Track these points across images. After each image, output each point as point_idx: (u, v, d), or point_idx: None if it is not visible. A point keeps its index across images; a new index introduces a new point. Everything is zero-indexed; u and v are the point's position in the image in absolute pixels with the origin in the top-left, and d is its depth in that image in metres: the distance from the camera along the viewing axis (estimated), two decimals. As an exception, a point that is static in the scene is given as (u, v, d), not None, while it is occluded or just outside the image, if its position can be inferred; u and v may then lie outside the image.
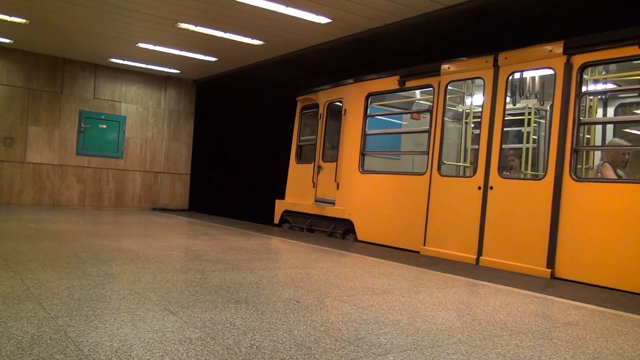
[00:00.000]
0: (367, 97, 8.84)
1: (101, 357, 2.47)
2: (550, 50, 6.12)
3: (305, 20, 8.17)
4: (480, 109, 7.20)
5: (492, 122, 6.74)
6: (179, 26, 9.02)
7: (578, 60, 5.94)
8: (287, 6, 7.63)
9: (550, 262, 5.86)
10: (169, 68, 12.76)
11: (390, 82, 8.42)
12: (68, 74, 12.41)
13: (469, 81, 7.80)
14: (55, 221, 9.16)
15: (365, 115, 8.83)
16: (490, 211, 6.58)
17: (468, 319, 3.73)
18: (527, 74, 6.82)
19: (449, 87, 7.57)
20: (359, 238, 8.60)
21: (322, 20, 8.15)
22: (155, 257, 5.66)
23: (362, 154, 8.80)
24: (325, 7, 7.59)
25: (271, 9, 7.74)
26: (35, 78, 12.04)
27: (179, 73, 13.27)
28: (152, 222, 10.20)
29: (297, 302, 3.91)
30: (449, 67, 7.47)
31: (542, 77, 7.01)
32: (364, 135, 8.81)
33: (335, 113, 9.68)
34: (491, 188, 6.59)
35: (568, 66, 5.97)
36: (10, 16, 9.01)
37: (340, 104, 9.46)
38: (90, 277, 4.37)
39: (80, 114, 12.55)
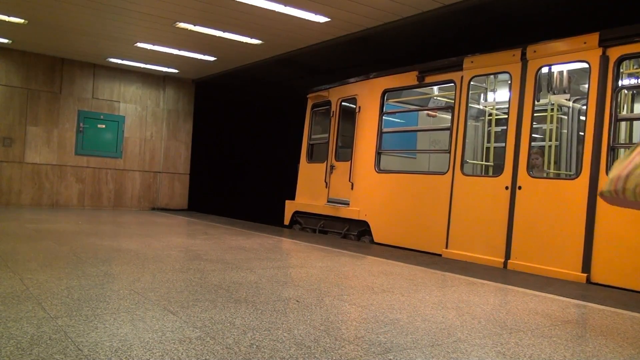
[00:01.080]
0: (383, 94, 8.60)
1: (101, 357, 2.47)
2: (585, 43, 5.85)
3: (304, 19, 8.17)
4: (506, 105, 6.98)
5: (520, 119, 6.52)
6: (177, 26, 9.01)
7: (615, 52, 5.70)
8: (285, 5, 7.63)
9: (586, 266, 5.63)
10: (168, 68, 12.76)
11: (408, 78, 8.14)
12: (66, 74, 12.40)
13: (492, 76, 7.63)
14: (54, 221, 9.16)
15: (382, 113, 8.60)
16: (519, 212, 6.33)
17: (467, 317, 3.73)
18: (556, 68, 6.59)
19: (472, 83, 7.34)
20: (376, 240, 8.39)
21: (321, 19, 8.15)
22: (155, 257, 5.65)
23: (378, 153, 8.56)
24: (324, 6, 7.59)
25: (270, 8, 7.74)
26: (34, 78, 12.03)
27: (177, 73, 13.27)
28: (152, 221, 10.19)
29: (297, 301, 3.91)
30: (472, 62, 7.23)
31: (570, 72, 6.93)
32: (380, 134, 8.56)
33: (349, 111, 9.44)
34: (519, 188, 6.35)
35: (604, 59, 5.70)
36: (8, 16, 9.00)
37: (354, 101, 9.22)
38: (89, 277, 4.37)
39: (79, 114, 12.54)
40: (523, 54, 6.62)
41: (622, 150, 6.18)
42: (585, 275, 5.62)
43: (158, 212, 12.79)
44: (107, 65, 12.69)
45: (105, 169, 12.91)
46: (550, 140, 7.76)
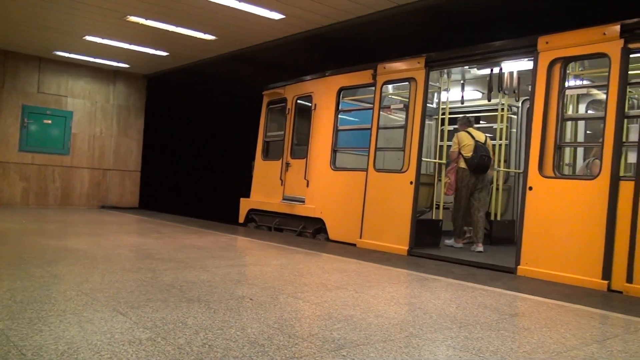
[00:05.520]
0: (339, 92, 8.62)
1: (45, 360, 2.38)
2: (604, 34, 5.49)
3: (258, 15, 8.12)
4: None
5: (530, 118, 6.18)
6: (128, 19, 8.78)
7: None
8: (239, 1, 7.56)
9: (606, 273, 5.26)
10: (118, 62, 12.41)
11: (364, 76, 8.17)
12: (10, 67, 11.87)
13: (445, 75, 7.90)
14: (-3, 220, 8.79)
15: (337, 111, 8.64)
16: (529, 214, 5.94)
17: (419, 312, 3.80)
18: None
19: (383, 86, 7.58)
20: (331, 237, 8.40)
21: (276, 16, 8.11)
22: (104, 257, 5.50)
23: (334, 151, 8.58)
24: (278, 2, 7.56)
25: (223, 3, 7.65)
26: (-26, 71, 11.49)
27: (128, 67, 12.93)
28: (101, 220, 9.92)
29: (251, 299, 3.88)
30: (385, 67, 7.48)
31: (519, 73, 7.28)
32: (336, 131, 8.59)
33: (304, 108, 9.41)
34: (530, 189, 5.96)
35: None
36: (-54, 5, 8.56)
37: (310, 99, 9.21)
38: (34, 278, 4.21)
39: (23, 109, 12.04)
40: (427, 62, 7.15)
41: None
42: (607, 282, 5.27)
43: (108, 211, 12.45)
44: (54, 58, 12.23)
45: (51, 166, 12.46)
46: (500, 139, 8.03)
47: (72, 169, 12.79)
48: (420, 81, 7.29)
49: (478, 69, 7.76)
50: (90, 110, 13.07)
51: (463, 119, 7.86)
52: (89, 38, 10.20)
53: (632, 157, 5.43)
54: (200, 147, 16.93)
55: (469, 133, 7.64)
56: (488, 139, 7.80)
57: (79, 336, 2.77)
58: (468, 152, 7.51)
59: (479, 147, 7.50)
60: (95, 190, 13.18)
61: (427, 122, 8.60)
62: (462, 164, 7.55)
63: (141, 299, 3.68)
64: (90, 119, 13.09)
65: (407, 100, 7.61)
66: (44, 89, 12.35)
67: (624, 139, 5.44)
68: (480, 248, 7.29)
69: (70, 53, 11.68)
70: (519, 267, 5.91)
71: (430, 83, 7.47)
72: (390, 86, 8.36)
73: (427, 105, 7.57)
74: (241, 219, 10.55)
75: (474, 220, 7.55)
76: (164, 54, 11.19)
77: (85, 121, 13.00)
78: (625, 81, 5.38)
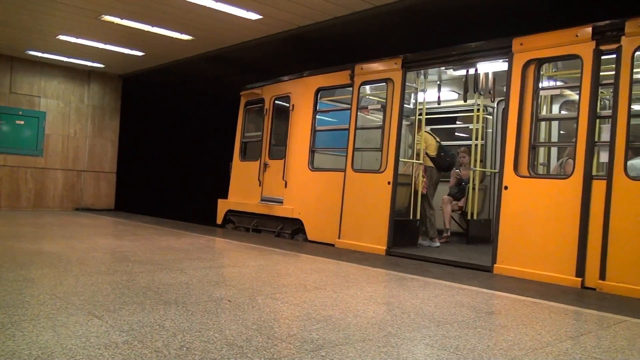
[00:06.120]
0: (316, 92, 8.62)
1: (18, 366, 2.33)
2: (577, 36, 5.60)
3: (235, 15, 8.07)
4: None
5: (505, 119, 6.27)
6: (102, 19, 8.65)
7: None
8: (216, 1, 7.51)
9: (580, 270, 5.34)
10: (93, 62, 12.22)
11: (342, 77, 8.20)
12: (-20, 67, 11.63)
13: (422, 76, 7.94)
14: (-33, 224, 8.58)
15: (315, 111, 8.64)
16: (505, 213, 5.99)
17: (398, 312, 3.82)
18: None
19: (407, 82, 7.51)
20: (310, 238, 8.39)
21: (253, 16, 8.08)
22: (79, 260, 5.41)
23: (312, 151, 8.58)
24: (255, 3, 7.53)
25: (200, 3, 7.59)
26: (-57, 70, 11.20)
27: (103, 67, 12.74)
28: (75, 222, 9.75)
29: (229, 301, 3.86)
30: (362, 68, 7.47)
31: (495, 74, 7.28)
32: (314, 132, 8.58)
33: (282, 109, 9.39)
34: (506, 188, 6.01)
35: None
36: None
37: (288, 99, 9.19)
38: (6, 282, 4.11)
39: (-6, 110, 11.80)
40: (404, 63, 7.25)
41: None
42: (580, 279, 5.39)
43: (83, 213, 12.25)
44: (27, 58, 11.98)
45: (24, 167, 12.20)
46: (476, 139, 8.12)
47: (46, 171, 12.55)
48: (397, 82, 7.34)
49: (454, 69, 7.83)
50: (64, 110, 12.84)
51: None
52: (62, 37, 10.02)
53: (604, 157, 5.54)
54: (177, 148, 16.75)
55: (430, 133, 8.02)
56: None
57: (53, 341, 2.71)
58: (433, 152, 7.85)
59: (442, 147, 7.93)
60: (69, 192, 12.95)
61: (404, 122, 8.65)
62: (429, 163, 7.84)
63: (117, 302, 3.63)
64: (64, 119, 12.86)
65: (385, 100, 7.65)
66: (16, 89, 12.09)
67: (596, 139, 5.55)
68: (437, 243, 7.70)
69: (43, 52, 11.46)
70: (495, 265, 5.99)
71: (407, 84, 7.53)
72: (367, 87, 8.40)
73: (405, 105, 7.63)
74: (219, 220, 10.48)
75: (429, 217, 7.83)
76: (140, 53, 11.06)
77: (59, 122, 12.77)
78: (597, 82, 5.49)
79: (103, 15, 8.52)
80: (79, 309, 3.40)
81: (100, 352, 2.58)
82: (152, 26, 8.97)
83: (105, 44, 10.39)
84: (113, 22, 8.81)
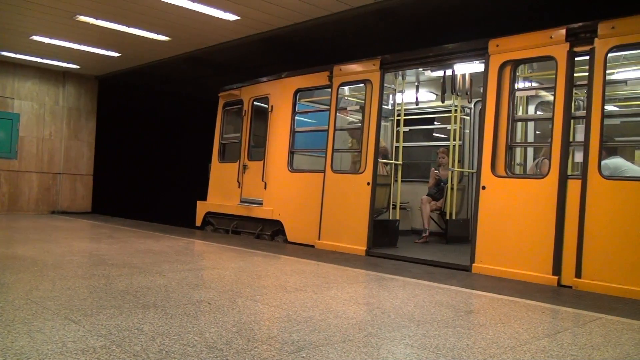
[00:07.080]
0: (295, 94, 8.61)
1: (-8, 373, 2.29)
2: (551, 37, 5.69)
3: (213, 16, 8.02)
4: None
5: (482, 119, 6.30)
6: (77, 19, 8.52)
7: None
8: (193, 1, 7.45)
9: (557, 268, 5.44)
10: (68, 63, 12.02)
11: (320, 78, 8.21)
12: (-49, 68, 11.37)
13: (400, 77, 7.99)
14: (-62, 228, 8.37)
15: (294, 112, 8.62)
16: (483, 213, 6.04)
17: (378, 312, 3.84)
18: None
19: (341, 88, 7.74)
20: (290, 239, 8.38)
21: (231, 17, 8.04)
22: (55, 264, 5.32)
23: (291, 152, 8.57)
24: (233, 3, 7.49)
25: (176, 3, 7.52)
26: None
27: (79, 68, 12.55)
28: (51, 226, 9.59)
29: (209, 303, 3.83)
30: (340, 69, 7.49)
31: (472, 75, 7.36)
32: (293, 133, 8.57)
33: (261, 110, 9.35)
34: (483, 188, 6.07)
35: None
36: None
37: (267, 101, 9.16)
38: (-21, 287, 4.03)
39: (-35, 111, 11.55)
40: (382, 64, 7.30)
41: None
42: (557, 278, 5.48)
43: (58, 216, 12.05)
44: (-1, 58, 11.77)
45: (-3, 170, 11.97)
46: (454, 140, 8.20)
47: (20, 174, 12.32)
48: (375, 83, 7.37)
49: (432, 71, 7.90)
50: (38, 112, 12.62)
51: None
52: (36, 38, 9.84)
53: (579, 157, 5.64)
54: (155, 150, 16.59)
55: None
56: None
57: (29, 346, 2.66)
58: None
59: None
60: (45, 195, 12.73)
61: (382, 123, 8.69)
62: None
63: (94, 306, 3.58)
64: (39, 121, 12.63)
65: (364, 101, 7.68)
66: (-12, 90, 11.86)
67: (571, 139, 5.65)
68: None
69: (16, 53, 11.24)
70: (473, 264, 6.05)
71: (385, 85, 7.58)
72: (346, 88, 8.42)
73: (383, 106, 7.67)
74: (198, 222, 10.39)
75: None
76: (116, 54, 10.92)
77: (33, 124, 12.54)
78: (571, 83, 5.59)
79: (78, 16, 8.39)
80: (55, 313, 3.35)
81: (78, 357, 2.54)
82: (128, 27, 8.86)
83: (80, 44, 10.24)
84: (88, 23, 8.68)
